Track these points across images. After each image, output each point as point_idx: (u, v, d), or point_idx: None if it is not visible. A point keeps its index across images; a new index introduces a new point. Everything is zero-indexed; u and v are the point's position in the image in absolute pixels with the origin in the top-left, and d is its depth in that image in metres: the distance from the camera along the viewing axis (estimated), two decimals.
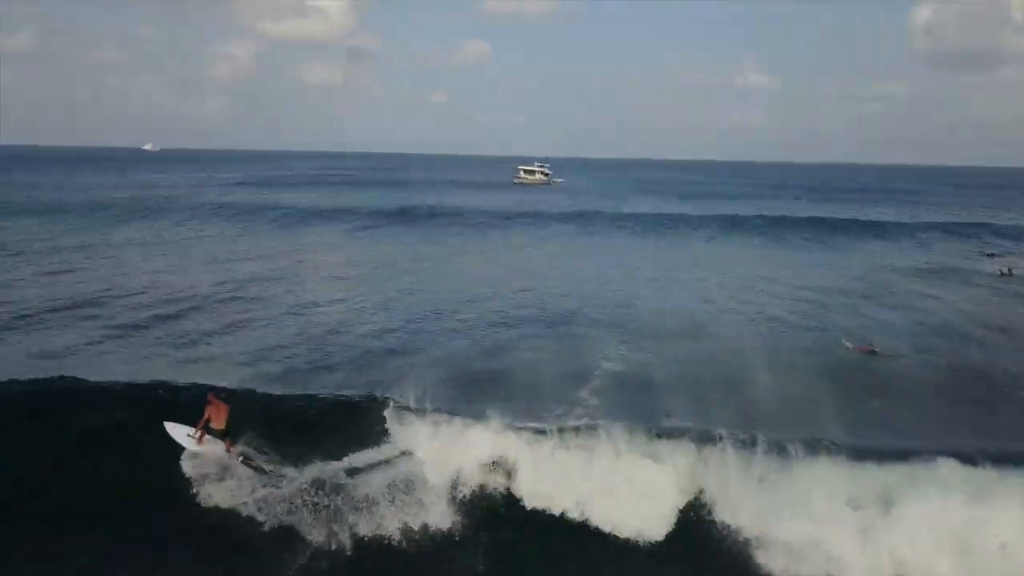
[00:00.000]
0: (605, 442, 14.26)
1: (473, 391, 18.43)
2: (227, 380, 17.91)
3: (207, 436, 14.20)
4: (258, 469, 14.02)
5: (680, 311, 29.53)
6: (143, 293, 30.05)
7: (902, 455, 14.11)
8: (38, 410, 15.74)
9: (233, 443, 14.35)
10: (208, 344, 23.20)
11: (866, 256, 48.68)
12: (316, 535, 13.10)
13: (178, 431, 14.36)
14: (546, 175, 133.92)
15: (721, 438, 14.21)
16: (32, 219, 57.64)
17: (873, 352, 23.17)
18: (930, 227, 65.05)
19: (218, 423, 14.21)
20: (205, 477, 13.88)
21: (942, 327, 27.68)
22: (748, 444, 14.13)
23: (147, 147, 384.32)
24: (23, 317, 25.51)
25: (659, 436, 14.60)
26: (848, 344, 23.86)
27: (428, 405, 16.16)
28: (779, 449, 13.99)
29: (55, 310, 26.61)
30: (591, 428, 14.91)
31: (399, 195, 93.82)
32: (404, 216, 66.40)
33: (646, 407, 17.47)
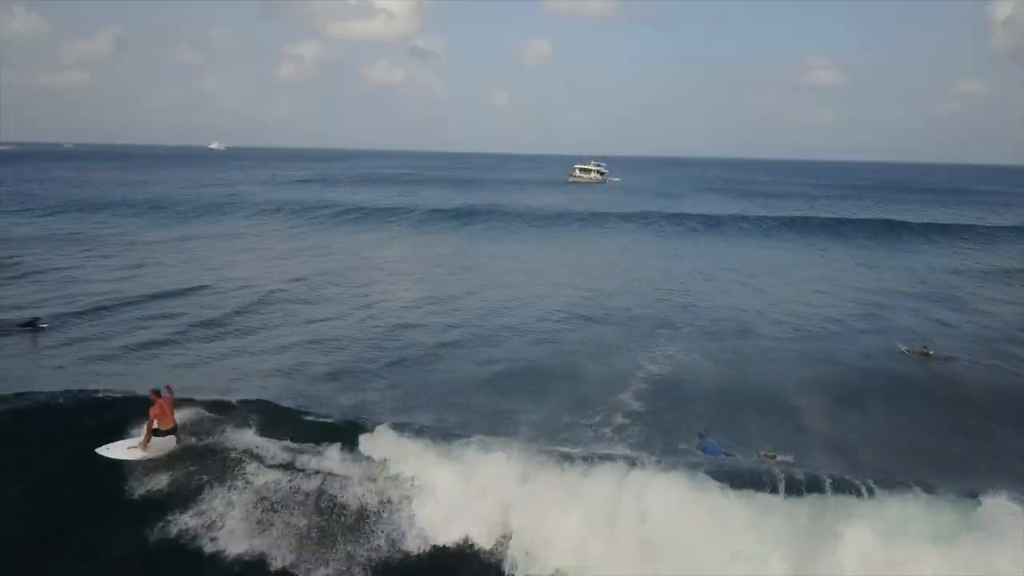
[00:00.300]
0: (636, 481, 12.56)
1: (509, 397, 18.59)
2: (259, 384, 18.67)
3: (153, 439, 13.65)
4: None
5: (734, 311, 29.49)
6: (203, 289, 31.41)
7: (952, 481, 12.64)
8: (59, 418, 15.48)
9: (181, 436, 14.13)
10: (257, 343, 24.14)
11: (930, 258, 47.48)
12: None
13: (116, 450, 13.82)
14: (602, 174, 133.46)
15: (775, 485, 12.33)
16: (105, 214, 60.52)
17: (927, 355, 22.86)
18: (1000, 229, 62.93)
19: (164, 423, 13.70)
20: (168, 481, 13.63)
21: (1003, 330, 27.08)
22: (806, 486, 12.35)
23: (214, 146, 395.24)
24: (88, 312, 27.01)
25: (696, 469, 12.82)
26: (902, 348, 23.58)
27: (450, 420, 16.18)
28: (847, 489, 12.19)
29: (127, 304, 28.10)
30: (622, 460, 13.27)
31: (459, 193, 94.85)
32: (463, 214, 67.09)
33: (685, 420, 17.35)
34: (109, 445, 13.86)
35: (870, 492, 12.09)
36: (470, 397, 18.71)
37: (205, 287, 31.44)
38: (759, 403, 18.76)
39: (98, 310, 26.82)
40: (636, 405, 18.19)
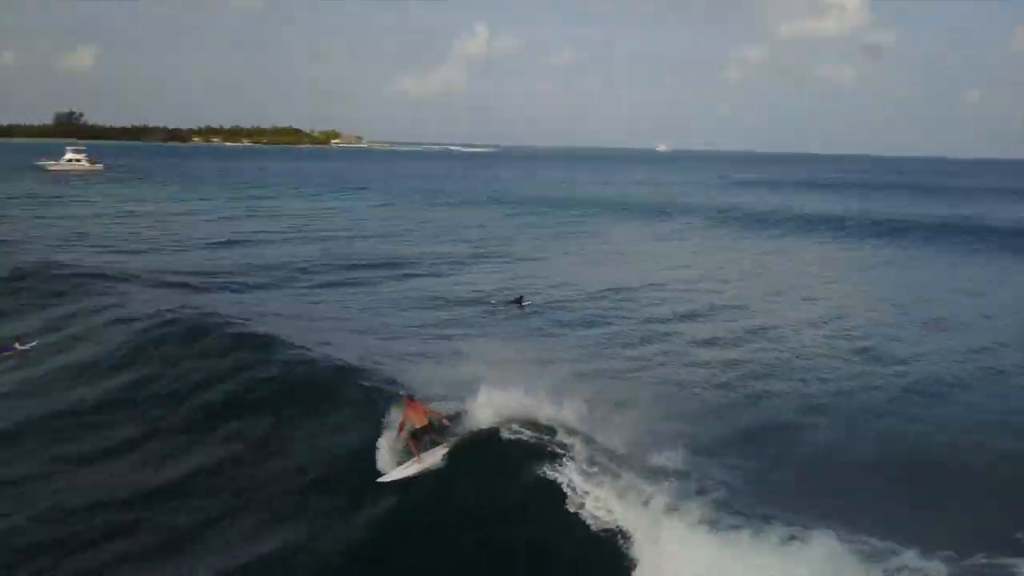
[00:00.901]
0: None
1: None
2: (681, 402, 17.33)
3: (419, 447, 13.23)
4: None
5: None
6: (652, 288, 32.90)
7: None
8: None
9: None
10: (692, 350, 23.34)
11: None
12: None
13: (396, 473, 13.17)
14: None
15: None
16: (567, 211, 68.01)
17: None
18: None
19: (419, 420, 13.36)
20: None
21: None
22: None
23: (660, 148, 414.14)
24: (560, 299, 29.90)
25: None
26: None
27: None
28: None
29: (590, 298, 30.44)
30: None
31: (927, 203, 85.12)
32: (928, 228, 59.41)
33: None
34: (387, 473, 13.26)
35: None
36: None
37: (652, 285, 33.22)
38: None
39: (565, 297, 29.98)
40: None
